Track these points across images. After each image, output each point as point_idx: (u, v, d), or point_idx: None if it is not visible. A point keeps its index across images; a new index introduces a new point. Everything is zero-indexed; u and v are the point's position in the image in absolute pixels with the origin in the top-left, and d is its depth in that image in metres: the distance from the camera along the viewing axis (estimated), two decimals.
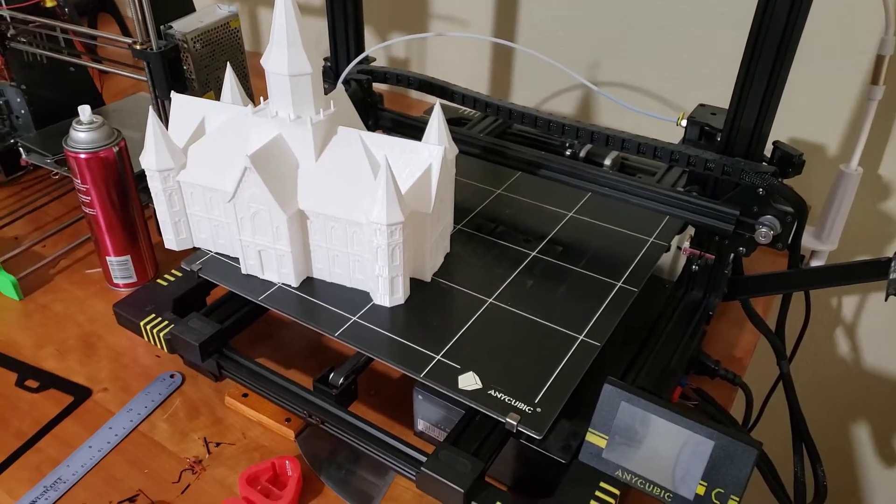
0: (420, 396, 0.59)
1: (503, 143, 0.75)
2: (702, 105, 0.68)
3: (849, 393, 1.05)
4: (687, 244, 0.68)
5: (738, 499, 0.48)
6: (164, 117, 0.78)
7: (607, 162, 0.81)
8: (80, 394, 0.68)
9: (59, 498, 0.59)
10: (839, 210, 0.82)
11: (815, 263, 0.86)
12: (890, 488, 1.09)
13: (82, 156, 0.70)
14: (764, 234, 0.62)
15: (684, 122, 0.66)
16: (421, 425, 0.61)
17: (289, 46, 0.56)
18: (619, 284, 0.63)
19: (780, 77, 0.57)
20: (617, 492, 0.51)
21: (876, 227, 0.91)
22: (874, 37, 0.77)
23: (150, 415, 0.66)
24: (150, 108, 0.61)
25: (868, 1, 0.78)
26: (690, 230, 0.69)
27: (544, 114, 0.69)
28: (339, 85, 0.69)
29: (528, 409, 0.51)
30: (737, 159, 0.61)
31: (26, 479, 0.60)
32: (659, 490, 0.50)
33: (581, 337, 0.57)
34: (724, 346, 0.73)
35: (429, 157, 0.59)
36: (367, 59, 0.80)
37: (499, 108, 0.72)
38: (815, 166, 0.89)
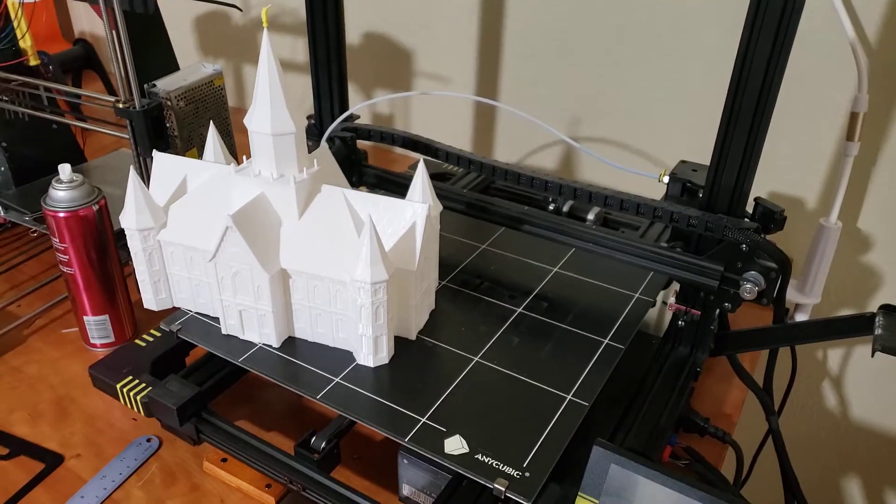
0: (405, 461, 0.57)
1: (487, 199, 0.76)
2: (683, 161, 0.69)
3: (838, 447, 1.04)
4: (672, 299, 0.68)
5: None
6: (145, 175, 0.77)
7: (591, 216, 0.81)
8: (52, 460, 0.65)
9: None
10: (821, 263, 0.82)
11: (799, 316, 0.86)
12: None
13: (61, 214, 0.69)
14: (749, 289, 0.62)
15: (666, 179, 0.67)
16: (406, 490, 0.59)
17: (272, 106, 0.56)
18: (606, 341, 0.62)
19: (759, 135, 0.57)
20: None
21: (857, 281, 0.91)
22: (848, 94, 0.80)
23: (124, 482, 0.63)
24: (131, 167, 0.61)
25: (841, 61, 0.81)
26: (675, 285, 0.69)
27: (527, 170, 0.70)
28: (323, 143, 0.70)
29: (517, 474, 0.50)
30: (719, 216, 0.61)
31: None
32: None
33: (569, 396, 0.56)
34: (712, 403, 0.73)
35: (413, 214, 0.58)
36: (352, 117, 0.81)
37: (482, 165, 0.72)
38: (797, 219, 0.90)
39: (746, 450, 0.70)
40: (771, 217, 0.62)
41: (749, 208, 0.64)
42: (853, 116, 0.77)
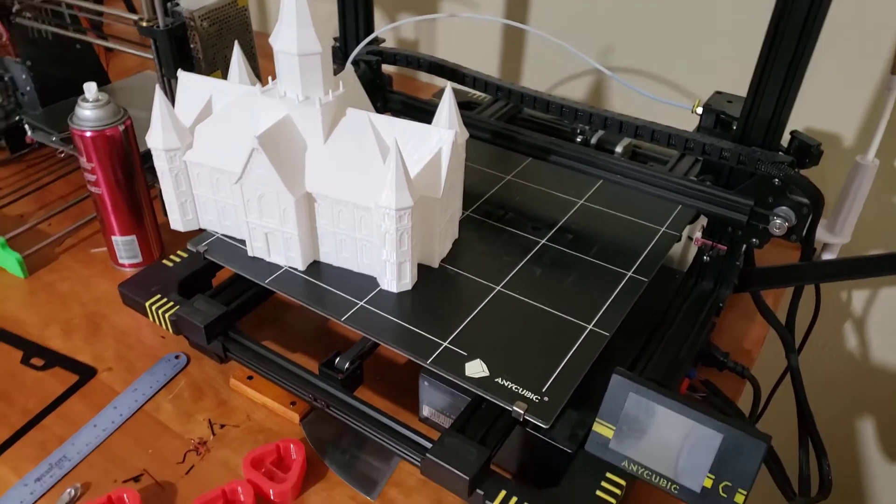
0: (426, 383, 0.59)
1: (514, 128, 0.74)
2: (718, 92, 0.67)
3: (855, 387, 1.04)
4: (698, 234, 0.67)
5: (745, 492, 0.47)
6: (170, 96, 0.77)
7: (619, 150, 0.80)
8: (85, 373, 0.68)
9: (64, 476, 0.59)
10: (853, 202, 0.80)
11: (826, 256, 0.85)
12: (895, 483, 1.09)
13: (88, 134, 0.69)
14: (779, 225, 0.61)
15: (699, 110, 0.65)
16: (426, 411, 0.61)
17: (298, 26, 0.55)
18: (630, 274, 0.62)
19: (801, 65, 0.55)
20: (623, 482, 0.51)
21: (890, 221, 0.90)
22: (894, 25, 0.76)
23: (154, 395, 0.66)
24: (157, 86, 0.60)
25: None
26: (702, 220, 0.68)
27: (557, 98, 0.68)
28: (349, 65, 0.68)
29: (536, 398, 0.51)
30: (753, 149, 0.60)
31: (31, 457, 0.60)
32: (665, 482, 0.50)
33: (590, 326, 0.57)
34: (732, 338, 0.73)
35: (439, 140, 0.58)
36: (377, 40, 0.79)
37: (511, 92, 0.70)
38: (830, 157, 0.87)
39: (763, 386, 0.70)
40: (807, 151, 0.60)
41: (784, 143, 0.62)
42: None
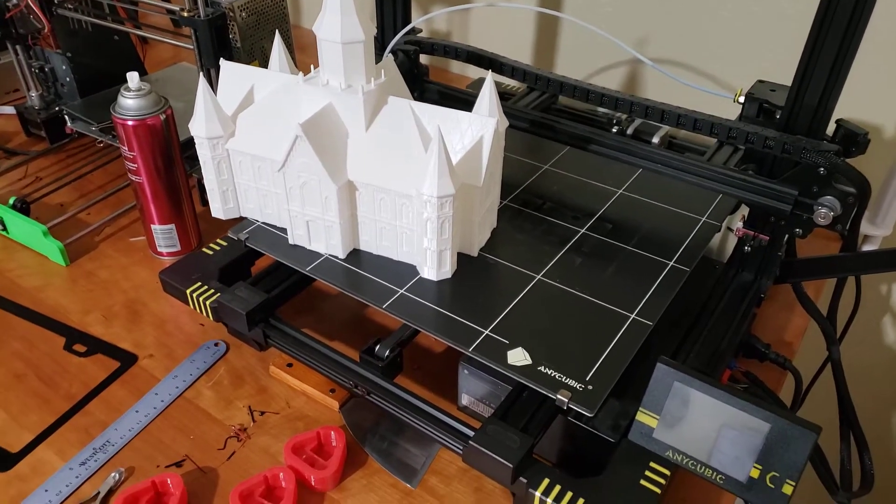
0: (466, 371, 0.59)
1: (552, 118, 0.74)
2: (761, 81, 0.66)
3: (894, 381, 1.03)
4: (739, 224, 0.67)
5: (794, 483, 0.47)
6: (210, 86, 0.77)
7: (655, 139, 0.79)
8: (127, 359, 0.69)
9: (108, 460, 0.60)
10: None
11: (867, 248, 0.84)
12: None
13: (130, 123, 0.70)
14: (823, 215, 0.60)
15: (742, 99, 0.64)
16: (465, 400, 0.61)
17: (342, 13, 0.55)
18: (671, 264, 0.61)
19: (850, 52, 0.54)
20: (667, 472, 0.50)
21: None
22: None
23: (194, 382, 0.66)
24: (201, 74, 0.61)
25: None
26: (742, 211, 0.68)
27: (597, 87, 0.68)
28: (388, 55, 0.68)
29: (579, 387, 0.51)
30: (798, 137, 0.59)
31: (76, 441, 0.61)
32: (711, 472, 0.49)
33: (632, 316, 0.56)
34: (773, 330, 0.72)
35: (480, 128, 0.58)
36: (414, 30, 0.79)
37: (549, 81, 0.70)
38: (872, 148, 0.86)
39: (803, 378, 0.69)
40: (853, 140, 0.60)
41: (829, 132, 0.61)
42: None
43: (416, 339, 0.66)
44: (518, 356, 0.53)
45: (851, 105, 0.87)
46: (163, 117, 0.71)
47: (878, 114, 0.86)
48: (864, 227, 0.82)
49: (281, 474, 0.57)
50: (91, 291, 0.76)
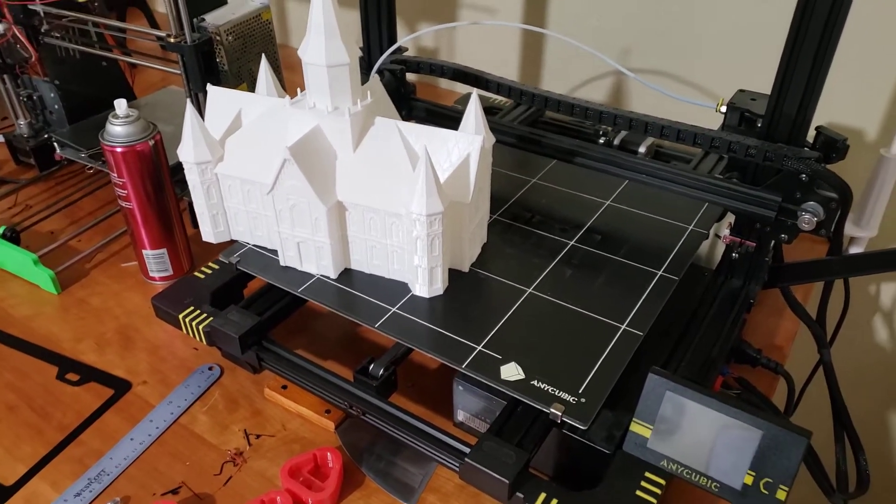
0: (460, 387, 0.59)
1: (539, 132, 0.75)
2: (741, 90, 0.67)
3: (887, 381, 1.03)
4: (726, 232, 0.67)
5: (787, 489, 0.47)
6: (197, 110, 0.78)
7: (642, 150, 0.80)
8: (121, 387, 0.69)
9: (104, 490, 0.59)
10: (879, 195, 0.80)
11: (853, 250, 0.85)
12: None
13: (119, 149, 0.70)
14: (807, 220, 0.60)
15: (724, 109, 0.65)
16: (461, 416, 0.61)
17: (326, 37, 0.56)
18: (660, 273, 0.62)
19: (826, 60, 0.55)
20: (663, 482, 0.51)
21: None
22: None
23: (189, 407, 0.66)
24: (188, 100, 0.61)
25: None
26: (729, 218, 0.68)
27: (581, 101, 0.69)
28: (374, 75, 0.69)
29: (572, 400, 0.51)
30: (779, 145, 0.60)
31: (70, 472, 0.61)
32: (706, 480, 0.50)
33: (623, 326, 0.57)
34: (764, 335, 0.72)
35: (467, 146, 0.58)
36: (400, 49, 0.80)
37: (534, 97, 0.71)
38: (854, 151, 0.87)
39: (795, 382, 0.70)
40: (833, 146, 0.60)
41: (809, 139, 0.62)
42: None
43: (410, 356, 0.66)
44: (511, 371, 0.54)
45: (831, 110, 0.88)
46: (151, 143, 0.71)
47: (858, 117, 0.88)
48: (850, 230, 0.83)
49: (278, 498, 0.57)
50: (83, 319, 0.76)
